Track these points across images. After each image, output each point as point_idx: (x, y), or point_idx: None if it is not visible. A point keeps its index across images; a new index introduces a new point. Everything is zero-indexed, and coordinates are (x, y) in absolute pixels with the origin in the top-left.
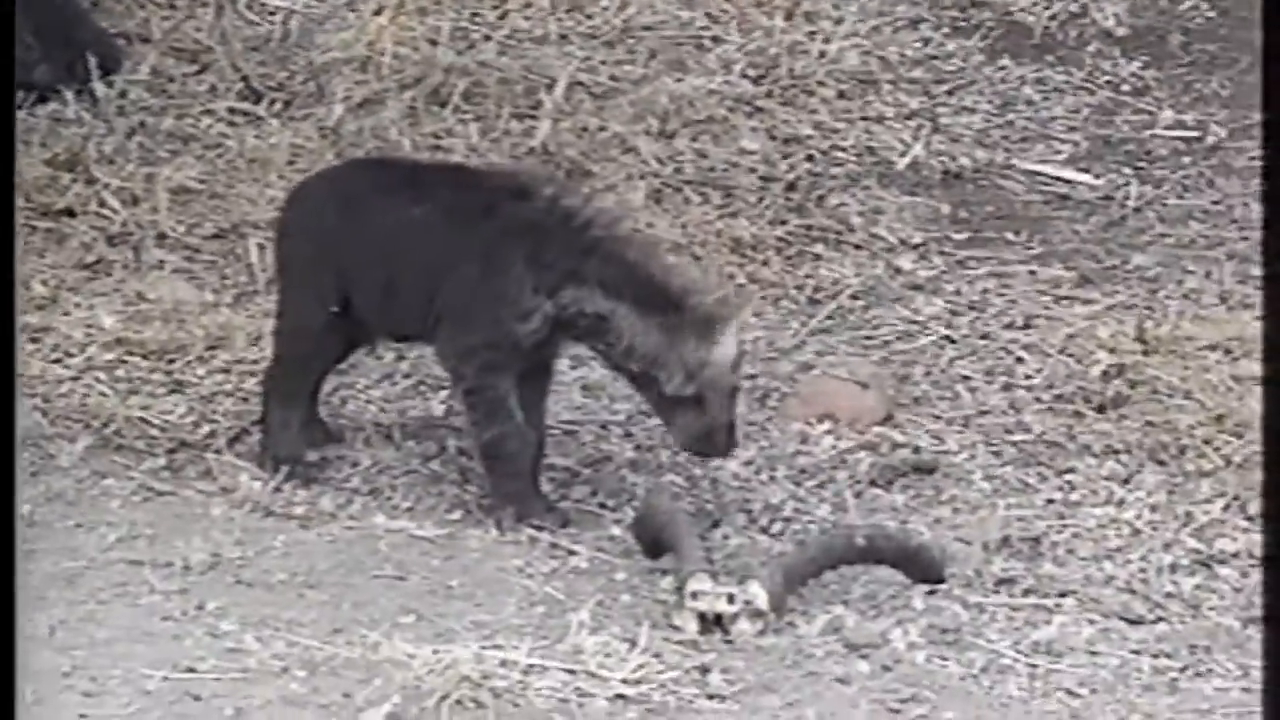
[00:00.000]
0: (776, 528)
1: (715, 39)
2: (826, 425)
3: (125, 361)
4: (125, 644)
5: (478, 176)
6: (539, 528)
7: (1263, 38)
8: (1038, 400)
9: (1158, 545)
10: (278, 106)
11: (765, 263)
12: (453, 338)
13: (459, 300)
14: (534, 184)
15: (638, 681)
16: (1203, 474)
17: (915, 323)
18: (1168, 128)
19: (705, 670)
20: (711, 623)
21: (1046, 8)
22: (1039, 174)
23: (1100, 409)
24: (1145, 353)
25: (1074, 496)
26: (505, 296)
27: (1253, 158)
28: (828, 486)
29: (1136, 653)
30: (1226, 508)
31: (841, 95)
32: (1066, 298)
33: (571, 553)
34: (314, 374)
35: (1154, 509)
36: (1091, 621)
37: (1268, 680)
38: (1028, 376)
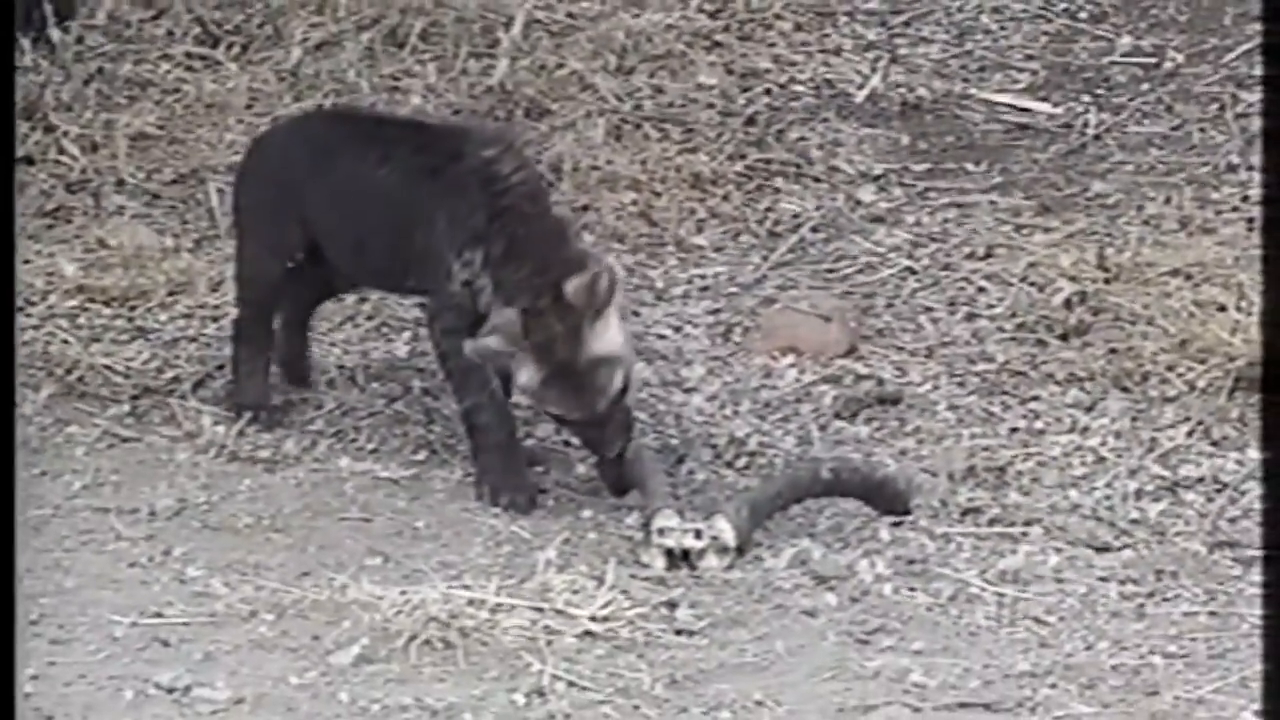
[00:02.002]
0: (742, 462)
1: None
2: (790, 359)
3: (87, 309)
4: (92, 591)
5: (433, 136)
6: (506, 509)
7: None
8: (1000, 329)
9: (1123, 472)
10: (235, 50)
11: (725, 197)
12: (426, 304)
13: (419, 266)
14: (475, 145)
15: (605, 618)
16: (1166, 400)
17: (876, 254)
18: (1125, 54)
19: (673, 605)
20: (679, 558)
21: None
22: (998, 103)
23: (1063, 337)
24: (1107, 280)
25: (1038, 425)
26: (436, 256)
27: (1210, 83)
28: (792, 420)
29: (1103, 580)
30: (1191, 433)
31: (799, 28)
32: (1027, 226)
33: (540, 491)
34: (274, 318)
35: (1118, 436)
36: (1058, 549)
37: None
38: (990, 306)
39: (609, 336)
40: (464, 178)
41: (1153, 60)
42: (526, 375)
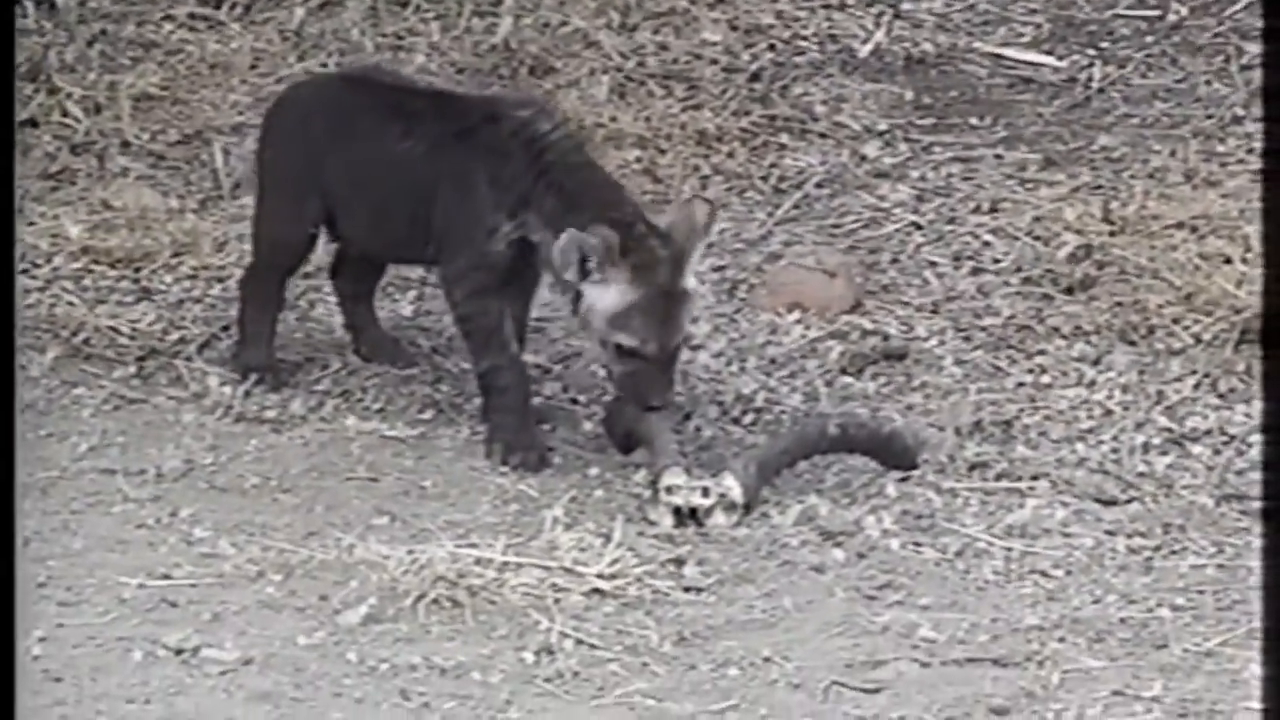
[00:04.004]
0: (748, 419)
1: None
2: (795, 315)
3: (92, 270)
4: (100, 553)
5: (460, 103)
6: (516, 467)
7: None
8: (1006, 284)
9: (1129, 425)
10: (238, 10)
11: (730, 154)
12: (444, 263)
13: (444, 225)
14: (509, 108)
15: (613, 576)
16: (1172, 353)
17: (881, 210)
18: (1129, 7)
19: (681, 563)
20: (686, 516)
21: None
22: (1002, 57)
23: (1069, 291)
24: (1112, 233)
25: (1045, 379)
26: (475, 217)
27: (1215, 35)
28: (798, 376)
29: (1111, 533)
30: (1197, 386)
31: None
32: (1032, 180)
33: (549, 448)
34: (287, 283)
35: (1125, 389)
36: (1065, 503)
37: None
38: (995, 260)
39: (692, 271)
40: (504, 140)
41: (1157, 13)
42: (616, 295)
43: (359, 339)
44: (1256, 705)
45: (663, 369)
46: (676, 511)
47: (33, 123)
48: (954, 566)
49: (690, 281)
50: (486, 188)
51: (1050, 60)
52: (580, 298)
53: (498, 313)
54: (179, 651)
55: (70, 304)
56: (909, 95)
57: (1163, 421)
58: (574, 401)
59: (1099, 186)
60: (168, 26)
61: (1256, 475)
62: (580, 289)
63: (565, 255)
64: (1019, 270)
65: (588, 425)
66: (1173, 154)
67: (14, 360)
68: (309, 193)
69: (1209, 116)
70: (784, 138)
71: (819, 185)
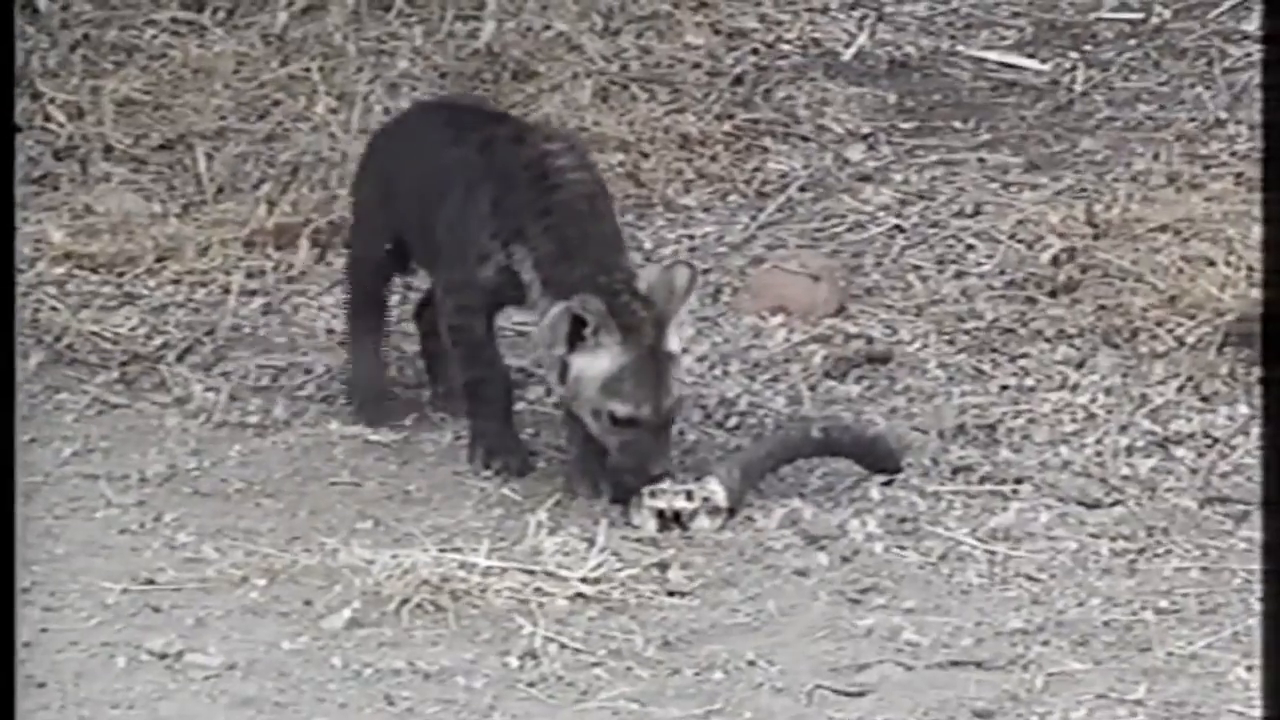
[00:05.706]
0: (732, 422)
1: None
2: (779, 318)
3: (75, 275)
4: (84, 558)
5: (501, 120)
6: (499, 472)
7: None
8: (989, 287)
9: (1113, 428)
10: (221, 15)
11: (713, 157)
12: (439, 270)
13: (445, 233)
14: (538, 137)
15: (597, 580)
16: (1156, 356)
17: (865, 213)
18: (1113, 10)
19: (665, 567)
20: (670, 519)
21: None
22: (985, 60)
23: (1052, 294)
24: (1096, 236)
25: (1028, 382)
26: (471, 236)
27: (1198, 38)
28: (782, 380)
29: (1094, 536)
30: (1181, 389)
31: None
32: (1015, 184)
33: (532, 453)
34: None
35: (1108, 392)
36: (1049, 506)
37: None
38: (979, 264)
39: (677, 335)
40: (518, 166)
41: (1140, 15)
42: (606, 362)
43: (435, 385)
44: (1240, 708)
45: (659, 434)
46: (660, 515)
47: (15, 128)
48: (938, 570)
49: (674, 344)
50: (489, 209)
51: (1033, 64)
52: (567, 368)
53: (484, 329)
54: (163, 657)
55: (53, 309)
56: (892, 99)
57: (1146, 424)
58: (556, 406)
59: (1082, 190)
60: (150, 31)
61: (1240, 478)
62: (567, 359)
63: (555, 329)
64: (1002, 273)
65: None
66: (1155, 157)
67: (14, 366)
68: (381, 220)
69: (1192, 120)
70: (767, 141)
71: (802, 189)
